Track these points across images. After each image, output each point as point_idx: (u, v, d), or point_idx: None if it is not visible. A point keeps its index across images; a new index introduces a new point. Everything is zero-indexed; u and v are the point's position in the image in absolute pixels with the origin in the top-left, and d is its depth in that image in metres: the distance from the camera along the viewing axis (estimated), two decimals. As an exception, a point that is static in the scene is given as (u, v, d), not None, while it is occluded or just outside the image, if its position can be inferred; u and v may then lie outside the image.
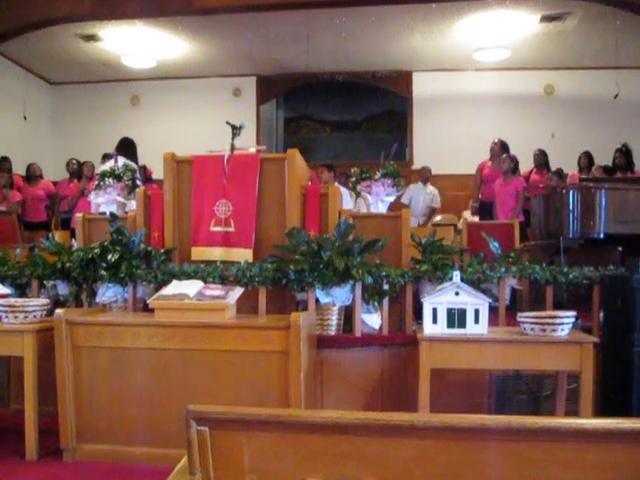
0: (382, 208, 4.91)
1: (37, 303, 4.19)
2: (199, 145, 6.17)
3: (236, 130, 4.69)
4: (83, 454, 3.95)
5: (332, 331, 4.42)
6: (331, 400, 4.34)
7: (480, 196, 8.93)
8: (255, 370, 3.75)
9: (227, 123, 4.75)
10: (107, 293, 4.58)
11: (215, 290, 3.99)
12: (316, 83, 11.49)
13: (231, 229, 4.58)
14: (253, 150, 4.86)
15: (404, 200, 8.91)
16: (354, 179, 5.00)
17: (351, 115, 12.32)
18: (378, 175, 4.88)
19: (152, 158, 6.52)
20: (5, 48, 9.56)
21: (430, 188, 9.66)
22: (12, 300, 4.26)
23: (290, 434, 1.43)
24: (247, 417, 1.42)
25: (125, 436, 3.91)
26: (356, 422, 1.40)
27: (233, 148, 4.64)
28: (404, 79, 11.40)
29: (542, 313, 3.85)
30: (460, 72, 11.22)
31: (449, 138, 11.06)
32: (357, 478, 1.45)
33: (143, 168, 7.54)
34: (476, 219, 8.55)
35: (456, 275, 3.82)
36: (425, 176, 9.64)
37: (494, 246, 4.64)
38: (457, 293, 3.76)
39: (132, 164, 5.59)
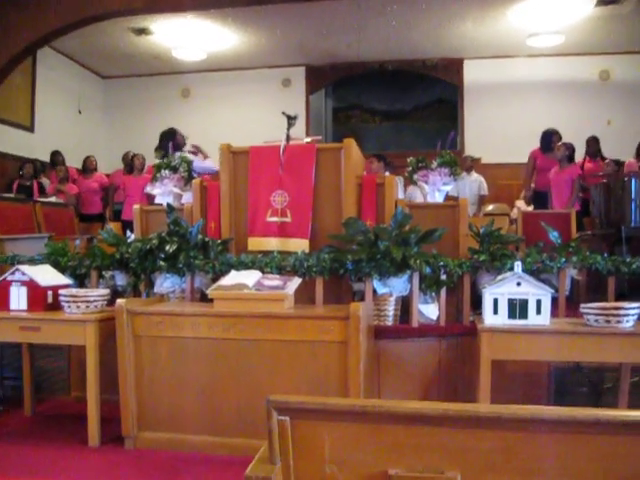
0: (439, 198, 4.86)
1: (98, 293, 4.26)
2: (249, 136, 6.18)
3: (291, 120, 4.68)
4: (143, 442, 4.01)
5: (389, 321, 4.39)
6: (388, 391, 4.32)
7: (533, 185, 8.78)
8: (314, 360, 3.74)
9: (283, 113, 4.75)
10: (165, 283, 4.62)
11: (273, 280, 4.00)
12: (365, 72, 11.42)
13: (287, 219, 4.58)
14: (308, 140, 4.85)
15: (452, 192, 8.79)
16: (410, 168, 4.95)
17: (400, 104, 12.22)
18: (435, 164, 4.82)
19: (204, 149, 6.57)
20: (60, 44, 9.72)
21: (475, 175, 9.46)
22: (74, 290, 4.34)
23: (372, 424, 1.42)
24: (328, 407, 1.40)
25: (184, 424, 3.95)
26: (440, 413, 1.38)
27: (289, 138, 4.63)
28: (455, 67, 11.26)
29: (607, 304, 3.76)
30: (512, 59, 11.03)
31: (500, 126, 10.90)
32: (439, 470, 1.43)
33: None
34: (530, 208, 8.40)
35: (518, 265, 3.75)
36: (467, 165, 9.44)
37: (553, 236, 4.56)
38: (519, 283, 3.69)
39: (187, 156, 5.62)
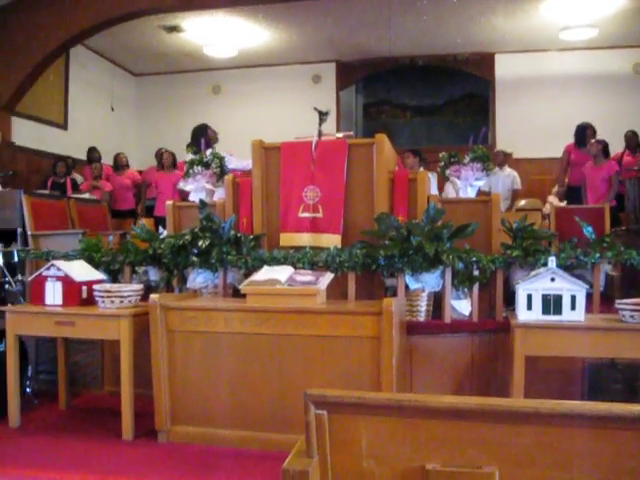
0: (471, 193, 4.83)
1: (132, 288, 4.30)
2: (279, 132, 6.20)
3: (323, 116, 4.69)
4: (177, 436, 4.04)
5: (421, 317, 4.38)
6: (420, 386, 4.31)
7: (567, 180, 8.67)
8: (346, 355, 3.74)
9: (315, 109, 4.75)
10: (198, 279, 4.65)
11: (306, 276, 4.01)
12: (396, 68, 11.37)
13: (319, 215, 4.58)
14: (340, 136, 4.85)
15: (484, 188, 8.72)
16: (442, 164, 4.92)
17: (431, 99, 12.15)
18: (467, 159, 4.79)
19: (233, 145, 6.58)
20: (92, 42, 9.84)
21: (508, 170, 9.33)
22: (108, 285, 4.38)
23: (409, 419, 1.42)
24: (366, 401, 1.41)
25: (217, 419, 3.98)
26: (478, 408, 1.38)
27: (320, 134, 4.64)
28: (486, 61, 11.16)
29: (643, 300, 3.71)
30: (544, 52, 10.90)
31: (533, 121, 10.78)
32: (476, 465, 1.43)
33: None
34: (563, 204, 8.30)
35: (552, 261, 3.72)
36: (500, 160, 9.32)
37: (587, 231, 4.51)
38: (553, 279, 3.66)
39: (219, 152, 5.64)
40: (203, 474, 3.54)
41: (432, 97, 12.14)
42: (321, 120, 4.70)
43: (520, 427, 1.39)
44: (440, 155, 5.05)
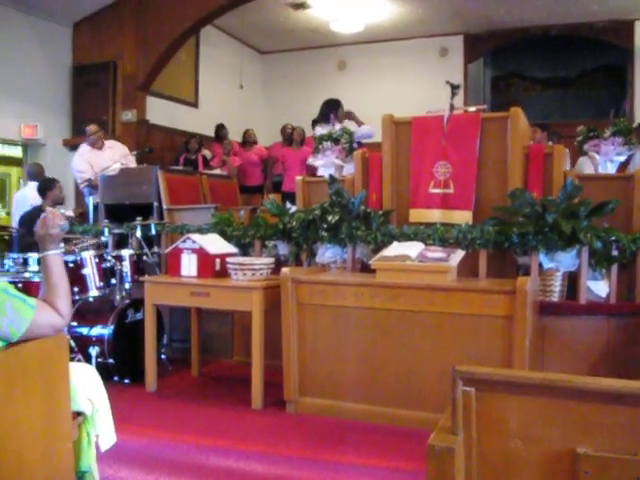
0: (611, 169, 4.60)
1: (264, 262, 4.40)
2: (405, 107, 6.11)
3: (455, 90, 4.60)
4: (304, 407, 4.13)
5: (555, 297, 4.24)
6: (552, 369, 4.17)
7: None
8: (476, 334, 3.69)
9: (447, 82, 4.67)
10: (326, 253, 4.70)
11: (436, 252, 3.96)
12: (527, 39, 10.92)
13: (450, 191, 4.51)
14: (473, 109, 4.73)
15: (631, 168, 8.28)
16: (580, 138, 4.71)
17: (564, 71, 11.60)
18: (607, 133, 4.56)
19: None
20: (221, 21, 10.04)
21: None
22: (241, 258, 4.51)
23: (562, 400, 1.37)
24: (517, 380, 1.37)
25: (344, 392, 4.03)
26: (636, 392, 1.31)
27: (452, 108, 4.54)
28: (625, 29, 10.49)
29: None
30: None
31: (677, 93, 10.11)
32: (630, 452, 1.36)
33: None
34: None
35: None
36: None
37: None
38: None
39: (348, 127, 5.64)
40: (331, 446, 3.60)
41: (565, 69, 11.57)
42: (453, 94, 4.61)
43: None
44: (578, 129, 4.84)
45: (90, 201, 6.95)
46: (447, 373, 3.41)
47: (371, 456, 3.43)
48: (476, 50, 11.20)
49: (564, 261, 4.13)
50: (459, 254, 3.94)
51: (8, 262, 4.82)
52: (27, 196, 7.02)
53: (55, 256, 2.38)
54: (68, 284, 2.40)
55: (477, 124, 4.45)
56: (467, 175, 4.45)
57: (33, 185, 7.01)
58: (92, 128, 7.35)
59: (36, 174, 7.32)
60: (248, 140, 9.61)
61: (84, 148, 7.31)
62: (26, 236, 5.43)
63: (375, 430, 3.82)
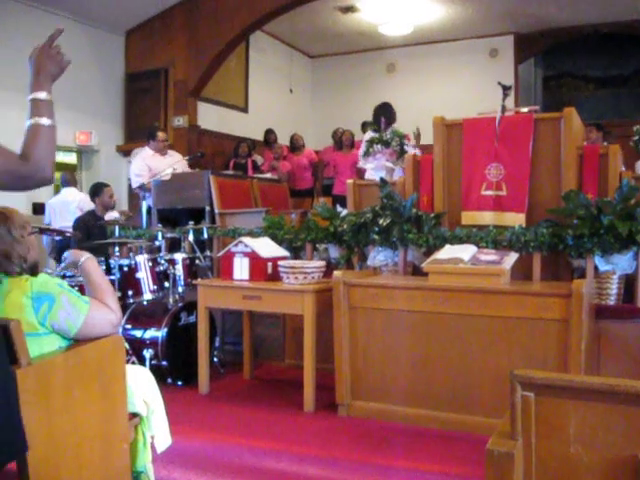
0: (669, 169, 4.48)
1: (315, 265, 4.40)
2: (455, 109, 6.08)
3: (506, 90, 4.55)
4: (356, 410, 4.12)
5: (611, 301, 4.15)
6: (608, 374, 4.07)
7: None
8: (531, 338, 3.64)
9: (498, 83, 4.62)
10: (378, 257, 4.69)
11: (489, 255, 3.92)
12: (578, 38, 10.74)
13: (503, 193, 4.45)
14: (526, 110, 4.67)
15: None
16: (636, 137, 4.61)
17: (617, 69, 11.36)
18: (666, 132, 4.45)
19: (409, 123, 6.53)
20: (270, 27, 10.12)
21: None
22: (293, 262, 4.52)
23: (621, 405, 1.34)
24: (576, 384, 1.35)
25: (396, 396, 4.01)
26: None
27: (504, 109, 4.49)
28: (681, 26, 10.26)
29: None
30: None
31: None
32: (698, 459, 1.32)
33: None
34: None
35: None
36: None
37: None
38: None
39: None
40: (383, 449, 3.59)
41: (618, 67, 11.33)
42: (505, 95, 4.56)
43: None
44: (635, 128, 4.73)
45: (143, 205, 7.07)
46: (500, 377, 3.43)
47: (422, 460, 3.41)
48: (527, 50, 11.06)
49: (620, 264, 4.04)
50: (512, 257, 3.89)
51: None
52: (68, 201, 7.35)
53: (87, 260, 2.46)
54: (109, 282, 2.48)
55: (530, 125, 4.38)
56: (520, 177, 4.39)
57: (70, 191, 7.43)
58: (163, 135, 7.48)
59: (69, 180, 7.60)
60: (296, 145, 9.65)
61: (147, 152, 7.39)
62: (82, 240, 5.55)
63: (426, 434, 3.80)
